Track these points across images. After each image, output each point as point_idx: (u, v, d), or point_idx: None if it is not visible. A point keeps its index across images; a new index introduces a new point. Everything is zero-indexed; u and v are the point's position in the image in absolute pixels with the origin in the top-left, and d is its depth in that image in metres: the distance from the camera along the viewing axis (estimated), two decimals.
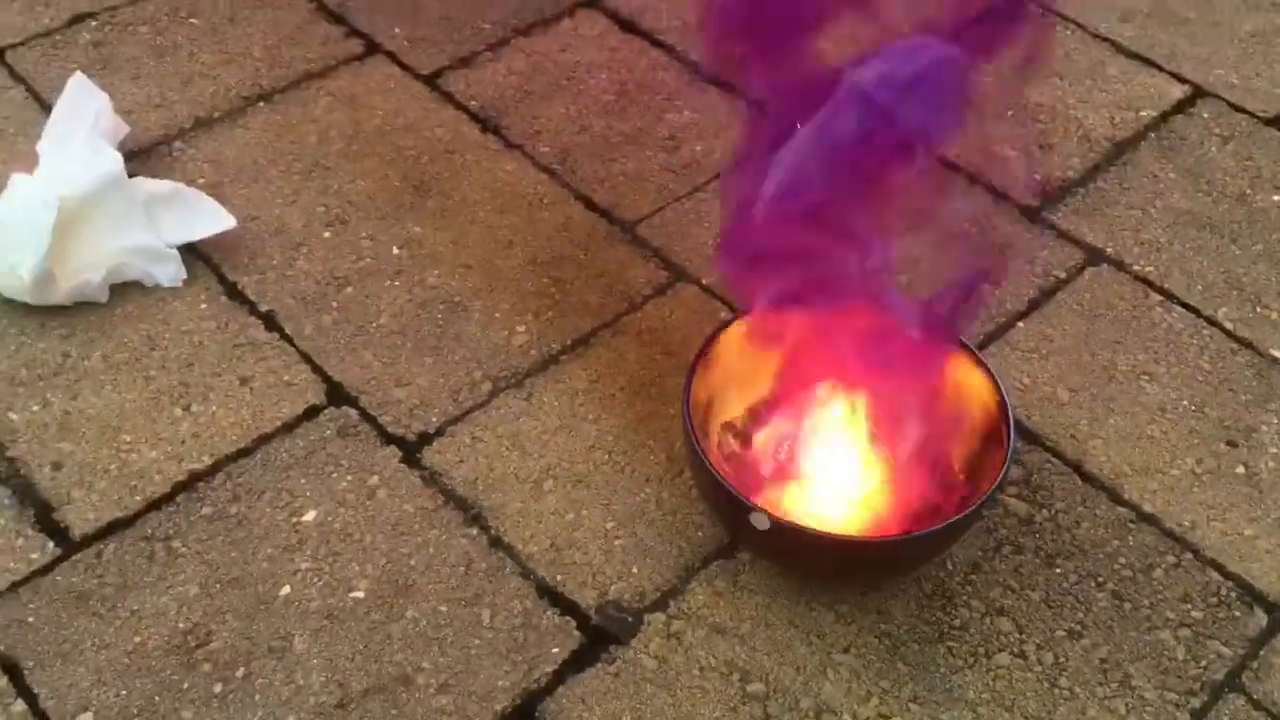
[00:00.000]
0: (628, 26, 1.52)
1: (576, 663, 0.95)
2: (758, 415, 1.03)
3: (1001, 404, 0.95)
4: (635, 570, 1.00)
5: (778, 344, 0.95)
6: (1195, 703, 0.93)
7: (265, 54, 1.46)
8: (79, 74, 1.30)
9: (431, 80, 1.44)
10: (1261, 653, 0.96)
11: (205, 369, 1.14)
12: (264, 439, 1.08)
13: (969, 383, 0.98)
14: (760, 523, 0.89)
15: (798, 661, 0.95)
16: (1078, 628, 0.97)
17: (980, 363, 0.98)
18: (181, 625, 0.96)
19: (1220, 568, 1.01)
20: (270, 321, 1.18)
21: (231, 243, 1.24)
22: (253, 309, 1.19)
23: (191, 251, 1.23)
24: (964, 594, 0.99)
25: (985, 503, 0.89)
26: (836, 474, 0.99)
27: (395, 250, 1.25)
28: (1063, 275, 1.24)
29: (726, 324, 1.01)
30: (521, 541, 1.02)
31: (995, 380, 0.96)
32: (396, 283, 1.22)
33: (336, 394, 1.12)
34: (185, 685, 0.93)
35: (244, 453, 1.07)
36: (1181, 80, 1.45)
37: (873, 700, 0.93)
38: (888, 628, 0.97)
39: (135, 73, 1.43)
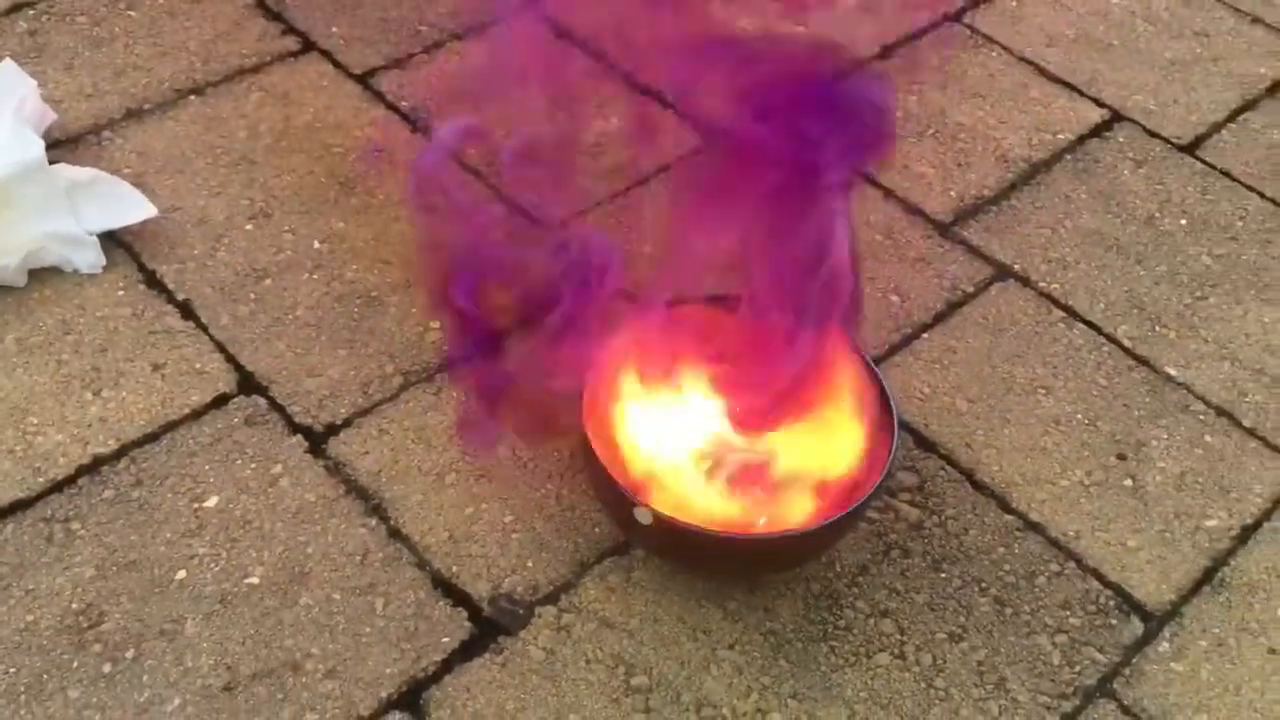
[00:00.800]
0: (563, 33, 1.54)
1: (465, 653, 0.96)
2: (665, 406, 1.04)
3: (887, 410, 0.97)
4: (530, 564, 1.02)
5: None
6: (1067, 706, 0.96)
7: (201, 48, 1.47)
8: (7, 60, 1.31)
9: (364, 80, 1.45)
10: (1135, 660, 0.99)
11: (118, 355, 1.15)
12: (171, 425, 1.09)
13: (859, 388, 1.00)
14: (643, 517, 0.90)
15: (683, 656, 0.97)
16: (958, 631, 1.00)
17: (870, 369, 1.00)
18: (75, 606, 0.97)
19: (1101, 577, 1.04)
20: (186, 310, 1.19)
21: (153, 232, 1.25)
22: (170, 297, 1.20)
23: (112, 239, 1.24)
24: (850, 595, 1.01)
25: (862, 505, 0.92)
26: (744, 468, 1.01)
27: (316, 244, 1.27)
28: (970, 290, 1.27)
29: (636, 316, 1.03)
30: (420, 533, 1.03)
31: (882, 386, 0.98)
32: (315, 276, 1.24)
33: (247, 383, 1.13)
34: (74, 664, 0.94)
35: (150, 438, 1.08)
36: (1100, 104, 1.49)
37: (753, 696, 0.95)
38: (773, 626, 0.99)
39: (69, 62, 1.44)
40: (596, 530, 1.04)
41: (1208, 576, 1.04)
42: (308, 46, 1.49)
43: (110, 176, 1.25)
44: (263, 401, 1.12)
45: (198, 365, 1.14)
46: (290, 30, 1.51)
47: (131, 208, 1.23)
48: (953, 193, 1.37)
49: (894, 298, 1.26)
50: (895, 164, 1.39)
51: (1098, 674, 0.98)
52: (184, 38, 1.48)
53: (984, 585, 1.03)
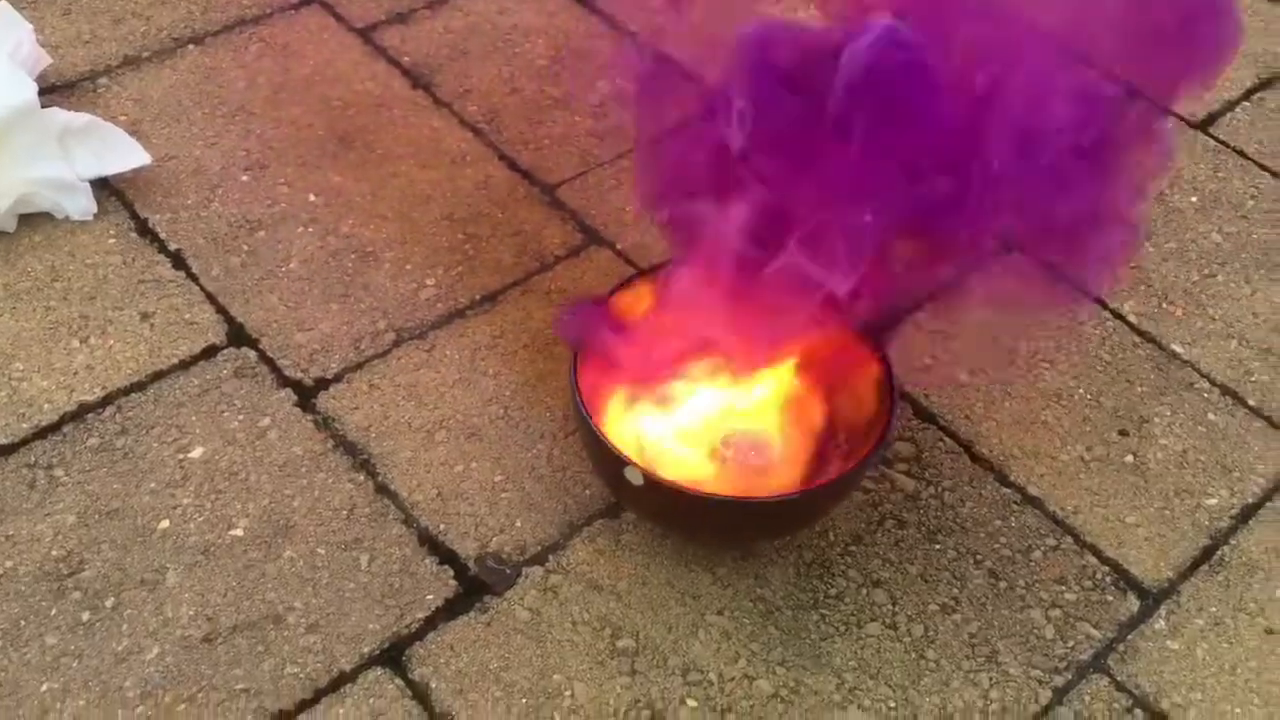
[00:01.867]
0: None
1: (450, 611, 0.95)
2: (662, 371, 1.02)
3: (888, 377, 0.95)
4: (519, 524, 1.01)
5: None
6: (1059, 680, 0.94)
7: None
8: (4, 3, 1.29)
9: (366, 34, 1.43)
10: (1130, 636, 0.97)
11: (107, 303, 1.13)
12: (159, 375, 1.08)
13: (861, 356, 0.98)
14: (634, 478, 0.89)
15: (670, 620, 0.96)
16: (951, 603, 0.98)
17: (873, 339, 0.98)
18: (55, 553, 0.96)
19: (1098, 553, 1.02)
20: (178, 260, 1.17)
21: (147, 180, 1.23)
22: (161, 246, 1.18)
23: (105, 186, 1.22)
24: (843, 564, 1.00)
25: (855, 471, 0.90)
26: (739, 435, 0.99)
27: (312, 198, 1.25)
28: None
29: (628, 281, 1.02)
30: (408, 490, 1.02)
31: (884, 355, 0.97)
32: (310, 229, 1.22)
33: (238, 335, 1.12)
34: (53, 612, 0.92)
35: (137, 387, 1.07)
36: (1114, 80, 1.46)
37: (740, 661, 0.94)
38: (764, 592, 0.98)
39: (67, 8, 1.42)
40: (587, 492, 1.03)
41: (1206, 555, 1.02)
42: None
43: (105, 123, 1.23)
44: (252, 354, 1.10)
45: (187, 316, 1.13)
46: None
47: (125, 154, 1.21)
48: None
49: (897, 267, 1.23)
50: None
51: (1092, 649, 0.96)
52: None
53: (979, 558, 1.01)
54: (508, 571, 0.97)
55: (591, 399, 0.93)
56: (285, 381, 1.09)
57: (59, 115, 1.21)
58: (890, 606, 0.98)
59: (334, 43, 1.42)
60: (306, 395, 1.08)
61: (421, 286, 1.18)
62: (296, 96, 1.35)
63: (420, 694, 0.90)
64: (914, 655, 0.95)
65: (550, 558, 0.99)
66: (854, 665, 0.94)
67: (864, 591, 0.98)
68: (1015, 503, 1.05)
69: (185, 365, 1.09)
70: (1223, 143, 1.40)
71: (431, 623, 0.94)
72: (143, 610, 0.93)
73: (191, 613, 0.93)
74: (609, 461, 0.90)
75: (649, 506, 0.95)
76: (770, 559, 1.00)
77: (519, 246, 1.22)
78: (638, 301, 0.98)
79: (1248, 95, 1.46)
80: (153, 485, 1.00)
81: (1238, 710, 0.93)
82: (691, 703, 0.91)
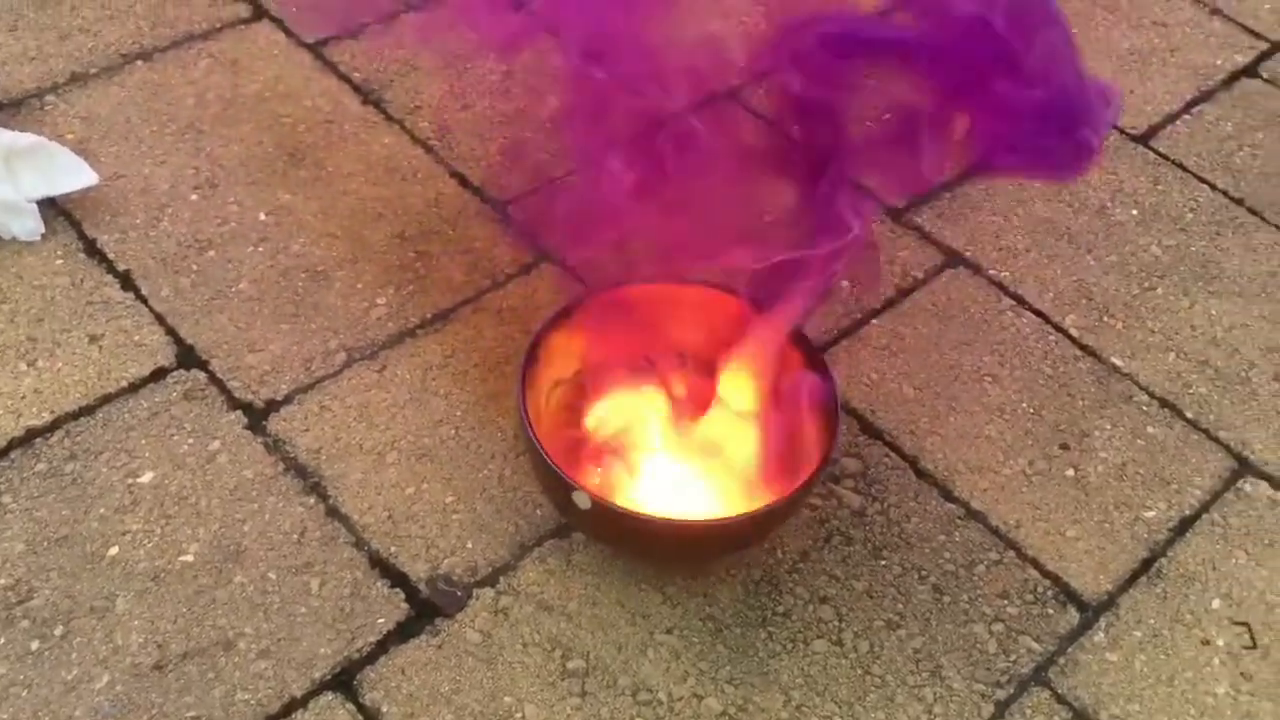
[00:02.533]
0: (520, 5, 1.51)
1: (401, 634, 0.95)
2: (601, 392, 1.04)
3: (832, 399, 0.97)
4: (470, 545, 1.01)
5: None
6: (1001, 694, 0.96)
7: (149, 12, 1.44)
8: None
9: (316, 49, 1.43)
10: (1070, 649, 0.99)
11: (55, 325, 1.13)
12: (107, 398, 1.08)
13: (804, 374, 1.00)
14: (582, 502, 0.90)
15: (620, 640, 0.97)
16: (896, 618, 1.00)
17: (817, 357, 1.00)
18: (3, 581, 0.95)
19: (1040, 566, 1.04)
20: (126, 281, 1.17)
21: (95, 200, 1.23)
22: (110, 267, 1.18)
23: (53, 206, 1.22)
24: (790, 581, 1.01)
25: (800, 493, 0.91)
26: (681, 458, 1.01)
27: (262, 216, 1.24)
28: (920, 276, 1.27)
29: (579, 299, 1.03)
30: (359, 512, 1.02)
31: (829, 375, 0.98)
32: (260, 249, 1.22)
33: (187, 357, 1.12)
34: (1, 641, 0.92)
35: (86, 411, 1.07)
36: None
37: (689, 680, 0.95)
38: (712, 611, 0.99)
39: (13, 24, 1.41)
40: (538, 512, 1.04)
41: (1145, 567, 1.05)
42: (259, 14, 1.46)
43: (51, 143, 1.22)
44: (202, 376, 1.10)
45: (136, 337, 1.13)
46: None
47: (72, 175, 1.21)
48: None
49: (844, 282, 1.25)
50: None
51: (1033, 663, 0.98)
52: (131, 1, 1.45)
53: (923, 573, 1.03)
54: (458, 593, 0.98)
55: (543, 409, 0.95)
56: (235, 403, 1.09)
57: (4, 135, 1.20)
58: (837, 623, 0.99)
59: (284, 58, 1.41)
60: (257, 417, 1.08)
61: (373, 305, 1.18)
62: (246, 113, 1.35)
63: (371, 718, 0.91)
64: (860, 671, 0.96)
65: (501, 579, 0.99)
66: (801, 682, 0.95)
67: (811, 608, 1.00)
68: (959, 517, 1.07)
69: (134, 388, 1.09)
70: (1163, 155, 1.42)
71: (383, 646, 0.95)
72: (92, 638, 0.93)
73: (142, 640, 0.93)
74: (556, 486, 0.91)
75: (597, 529, 0.96)
76: (720, 577, 1.01)
77: (470, 264, 1.23)
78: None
79: (1187, 108, 1.49)
80: (102, 511, 1.00)
81: None
82: None
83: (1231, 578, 1.05)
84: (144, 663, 0.92)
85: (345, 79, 1.40)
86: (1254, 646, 1.00)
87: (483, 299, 1.20)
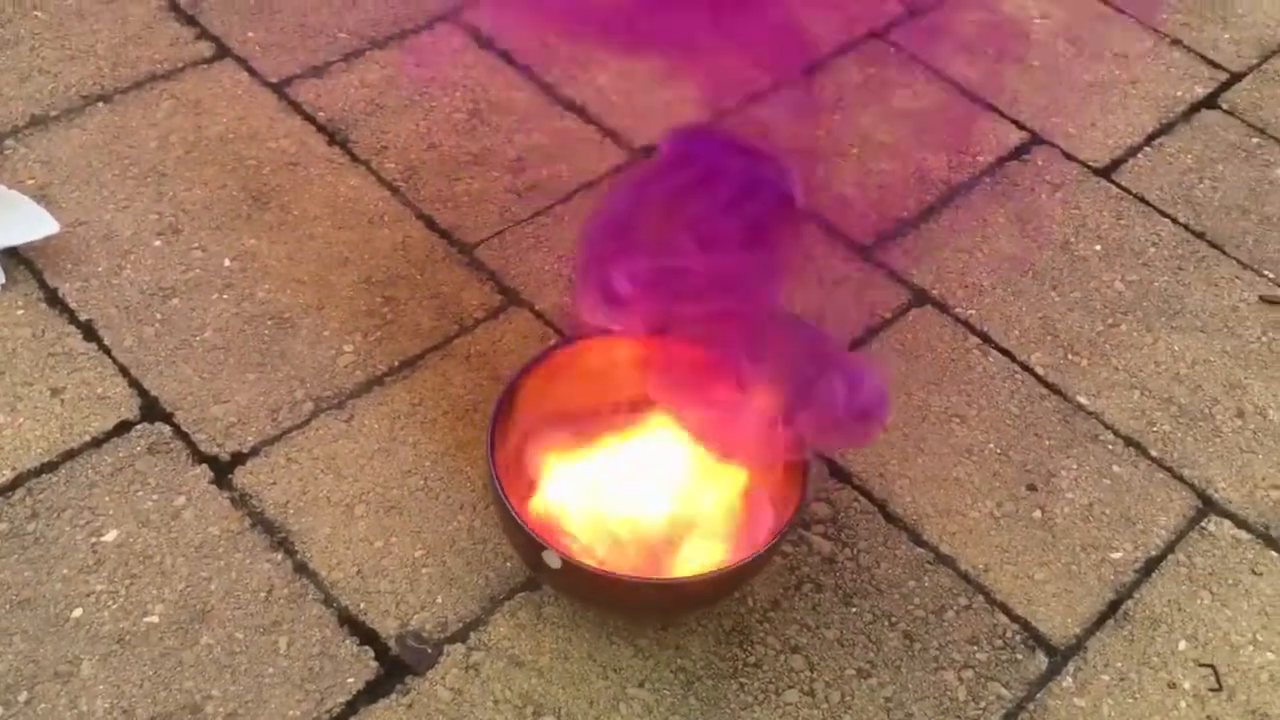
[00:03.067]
0: (486, 44, 1.52)
1: (371, 694, 0.95)
2: (577, 444, 1.03)
3: (801, 449, 0.97)
4: (440, 600, 1.01)
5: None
6: None
7: (110, 52, 1.43)
8: None
9: (280, 88, 1.42)
10: (1039, 695, 1.00)
11: (16, 378, 1.11)
12: (70, 454, 1.06)
13: (773, 424, 1.00)
14: (552, 561, 0.90)
15: (592, 695, 0.96)
16: (867, 666, 1.00)
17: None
18: None
19: (1008, 610, 1.05)
20: (89, 331, 1.16)
21: (56, 248, 1.22)
22: (72, 317, 1.17)
23: (13, 255, 1.20)
24: (761, 631, 1.02)
25: (772, 547, 0.91)
26: (655, 507, 1.01)
27: (227, 262, 1.24)
28: (888, 315, 1.27)
29: (549, 350, 1.03)
30: (327, 568, 1.02)
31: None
32: (225, 296, 1.21)
33: (151, 409, 1.11)
34: None
35: (48, 467, 1.05)
36: (1020, 126, 1.50)
37: None
38: (684, 663, 0.99)
39: None
40: (508, 565, 1.03)
41: (1112, 609, 1.06)
42: (222, 52, 1.45)
43: (11, 191, 1.21)
44: (166, 429, 1.09)
45: (99, 390, 1.11)
46: (204, 35, 1.47)
47: (31, 223, 1.19)
48: (873, 215, 1.37)
49: (812, 322, 1.25)
50: (819, 185, 1.39)
51: (1002, 710, 0.99)
52: (92, 41, 1.44)
53: (894, 620, 1.03)
54: (429, 650, 0.98)
55: (513, 463, 0.94)
56: (201, 457, 1.08)
57: None
58: (808, 672, 0.99)
59: (247, 98, 1.40)
60: (223, 471, 1.07)
61: (340, 353, 1.17)
62: (210, 155, 1.34)
63: None
64: None
65: (472, 634, 0.99)
66: None
67: (782, 658, 1.00)
68: (928, 562, 1.08)
69: (97, 443, 1.08)
70: (1125, 189, 1.44)
71: (353, 707, 0.94)
72: (57, 704, 0.92)
73: (107, 705, 0.92)
74: (526, 544, 0.91)
75: (568, 587, 0.96)
76: (691, 628, 1.01)
77: (438, 309, 1.22)
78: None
79: (1149, 140, 1.51)
80: (65, 571, 0.99)
81: None
82: None
83: (1197, 619, 1.06)
84: None
85: (310, 119, 1.39)
86: (1220, 689, 1.01)
87: (451, 345, 1.20)
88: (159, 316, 1.18)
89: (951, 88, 1.54)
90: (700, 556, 0.97)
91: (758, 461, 0.96)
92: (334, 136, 1.38)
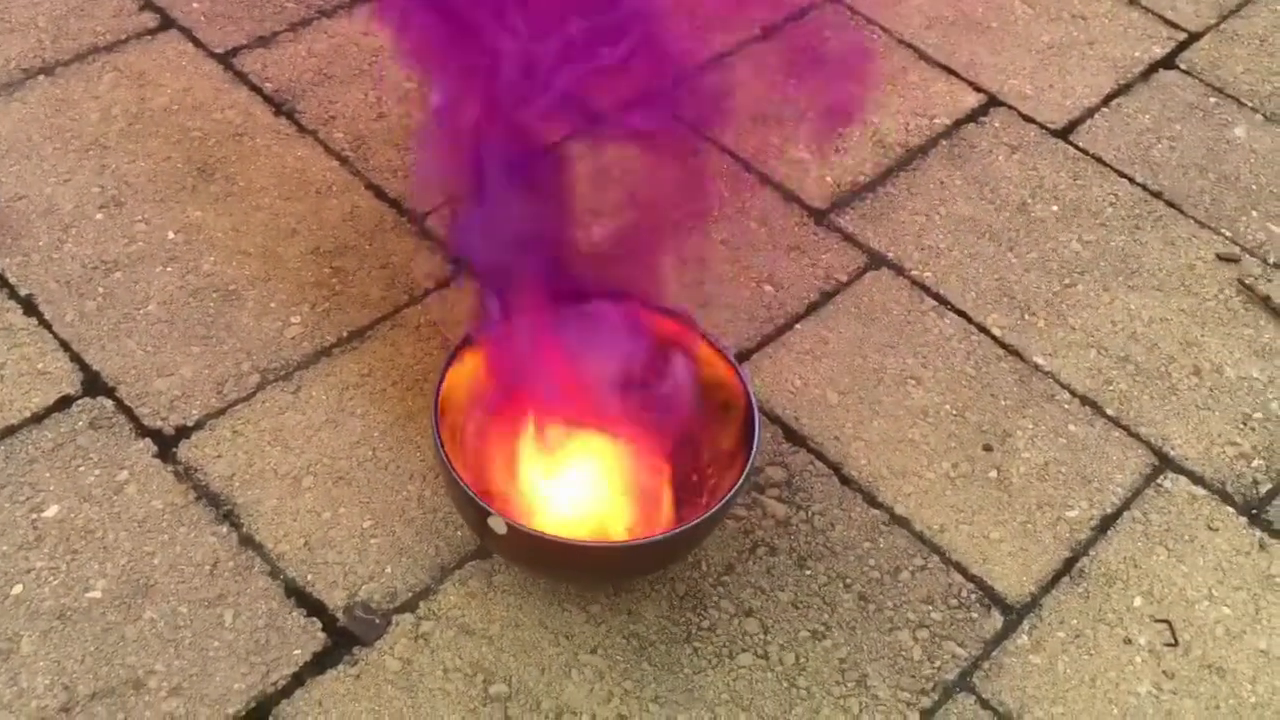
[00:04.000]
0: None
1: (318, 665, 0.93)
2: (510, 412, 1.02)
3: (749, 412, 0.96)
4: (389, 570, 0.99)
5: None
6: (926, 702, 0.96)
7: (51, 24, 1.40)
8: None
9: (226, 59, 1.40)
10: (994, 653, 0.99)
11: None
12: (10, 430, 1.04)
13: (724, 386, 0.99)
14: (498, 526, 0.88)
15: (543, 662, 0.95)
16: (822, 629, 0.99)
17: (734, 366, 0.99)
18: None
19: (964, 570, 1.04)
20: (29, 306, 1.14)
21: None
22: (12, 292, 1.14)
23: None
24: (715, 595, 1.01)
25: (719, 511, 0.90)
26: (596, 476, 0.99)
27: (171, 235, 1.21)
28: (844, 279, 1.26)
29: (493, 319, 1.01)
30: (274, 540, 1.00)
31: (746, 387, 0.97)
32: (169, 269, 1.19)
33: (93, 384, 1.09)
34: None
35: None
36: (977, 89, 1.49)
37: (614, 701, 0.94)
38: (637, 628, 0.98)
39: None
40: (459, 534, 1.02)
41: (1067, 567, 1.05)
42: (166, 23, 1.42)
43: None
44: (109, 403, 1.07)
45: (40, 365, 1.09)
46: (148, 6, 1.44)
47: None
48: (829, 179, 1.36)
49: (768, 288, 1.25)
50: (775, 150, 1.37)
51: (958, 668, 0.98)
52: (33, 14, 1.41)
53: (848, 581, 1.03)
54: (377, 621, 0.96)
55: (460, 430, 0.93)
56: (144, 431, 1.06)
57: None
58: (762, 635, 0.99)
59: (192, 69, 1.38)
60: (167, 445, 1.05)
61: (287, 325, 1.16)
62: (154, 128, 1.31)
63: None
64: (785, 684, 0.96)
65: (421, 604, 0.98)
66: (726, 698, 0.95)
67: (736, 622, 0.99)
68: (884, 523, 1.07)
69: (38, 418, 1.05)
70: (1082, 150, 1.43)
71: (299, 679, 0.93)
72: None
73: (48, 681, 0.90)
74: (472, 510, 0.90)
75: (515, 553, 0.95)
76: (644, 593, 1.00)
77: (388, 279, 1.21)
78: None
79: (1106, 101, 1.50)
80: (4, 548, 0.97)
81: None
82: None
83: (1153, 575, 1.05)
84: (50, 705, 0.89)
85: (257, 90, 1.37)
86: (1175, 644, 1.01)
87: (400, 315, 1.18)
88: (101, 290, 1.16)
89: (909, 51, 1.53)
90: (650, 523, 0.96)
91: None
92: (281, 107, 1.36)
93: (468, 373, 0.98)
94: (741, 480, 0.91)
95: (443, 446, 0.90)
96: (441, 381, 0.95)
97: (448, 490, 0.99)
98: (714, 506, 0.90)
